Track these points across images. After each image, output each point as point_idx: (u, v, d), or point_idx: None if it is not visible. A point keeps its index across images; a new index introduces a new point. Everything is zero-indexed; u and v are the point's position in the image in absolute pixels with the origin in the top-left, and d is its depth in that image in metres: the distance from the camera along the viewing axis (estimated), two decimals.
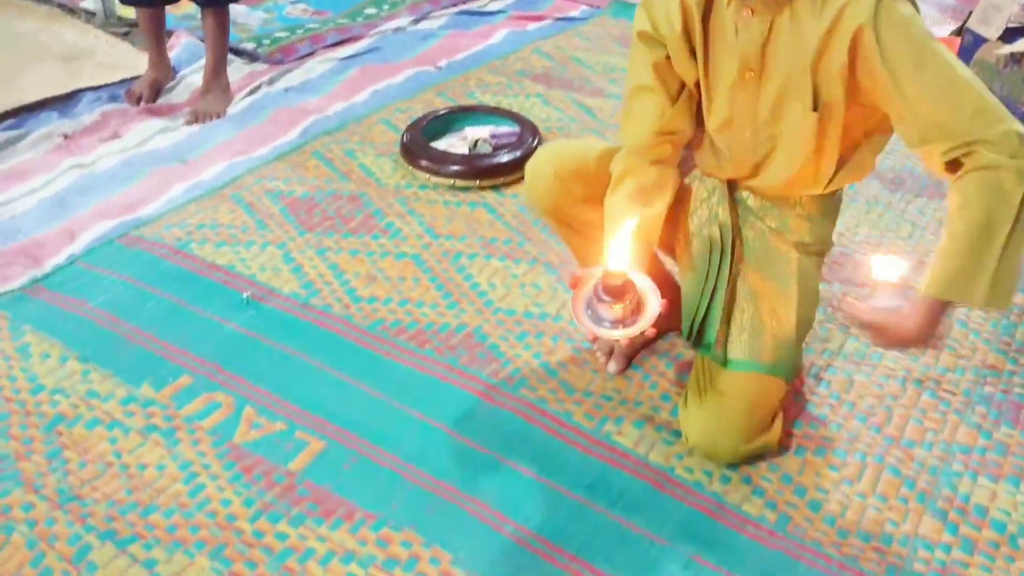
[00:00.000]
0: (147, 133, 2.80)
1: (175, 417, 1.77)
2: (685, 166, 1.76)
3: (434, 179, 2.55)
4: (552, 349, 1.97)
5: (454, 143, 2.73)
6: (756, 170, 1.66)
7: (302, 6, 3.81)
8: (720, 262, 1.69)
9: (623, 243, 1.37)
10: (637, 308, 1.40)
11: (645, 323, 1.40)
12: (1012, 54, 2.76)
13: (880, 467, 1.71)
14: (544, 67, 3.29)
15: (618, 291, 1.37)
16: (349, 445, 1.72)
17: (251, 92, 3.08)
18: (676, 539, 1.56)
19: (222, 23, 2.92)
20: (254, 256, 2.23)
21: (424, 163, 2.57)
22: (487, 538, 1.55)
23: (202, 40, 3.12)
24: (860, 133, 1.60)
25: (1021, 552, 1.55)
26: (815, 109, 1.52)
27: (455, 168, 2.55)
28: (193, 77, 3.15)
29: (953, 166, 1.44)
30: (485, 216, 2.42)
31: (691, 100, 1.64)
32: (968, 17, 3.04)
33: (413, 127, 2.72)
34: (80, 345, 1.94)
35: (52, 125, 2.81)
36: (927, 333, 1.44)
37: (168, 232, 2.32)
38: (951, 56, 1.46)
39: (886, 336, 1.48)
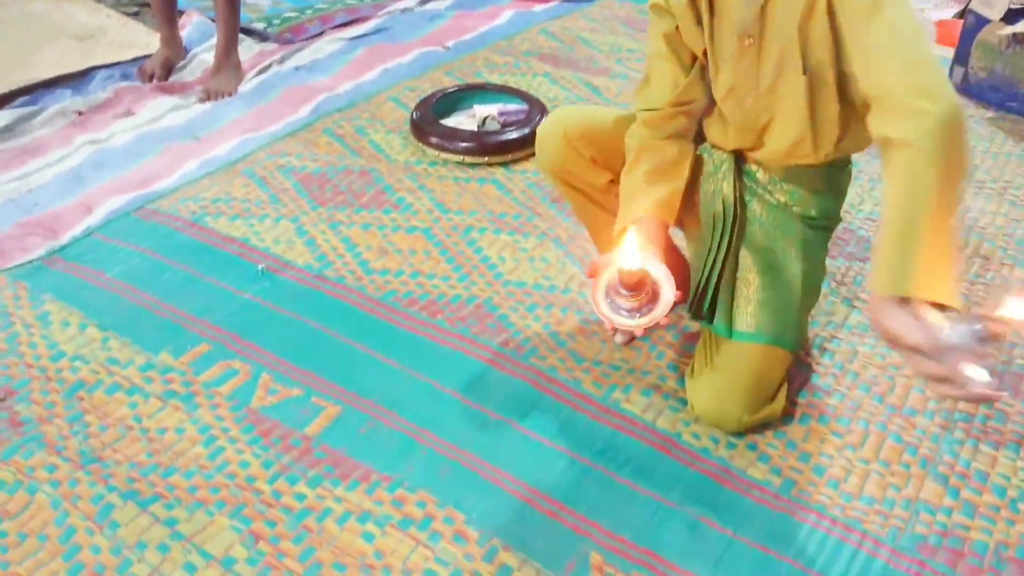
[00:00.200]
0: (160, 110, 2.84)
1: (193, 383, 1.81)
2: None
3: (443, 155, 2.59)
4: (561, 320, 2.00)
5: (463, 120, 2.77)
6: (760, 139, 1.69)
7: None
8: (723, 236, 1.72)
9: (637, 237, 1.40)
10: (653, 297, 1.44)
11: (659, 313, 1.44)
12: (1015, 35, 2.78)
13: (883, 434, 1.74)
14: (551, 48, 3.32)
15: (635, 283, 1.41)
16: (364, 410, 1.76)
17: (261, 71, 3.11)
18: (683, 501, 1.60)
19: (233, 3, 2.95)
20: (268, 229, 2.27)
21: (434, 140, 2.60)
22: (499, 499, 1.59)
23: (213, 20, 3.15)
24: (858, 100, 1.56)
25: (1021, 515, 1.59)
26: (805, 73, 1.55)
27: (464, 145, 2.58)
28: (204, 56, 3.19)
29: (883, 141, 1.40)
30: (494, 192, 2.45)
31: (703, 70, 1.67)
32: None
33: (422, 104, 2.75)
34: (99, 313, 1.98)
35: (66, 102, 2.85)
36: (881, 330, 1.30)
37: (183, 206, 2.35)
38: (907, 17, 1.42)
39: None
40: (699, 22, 1.61)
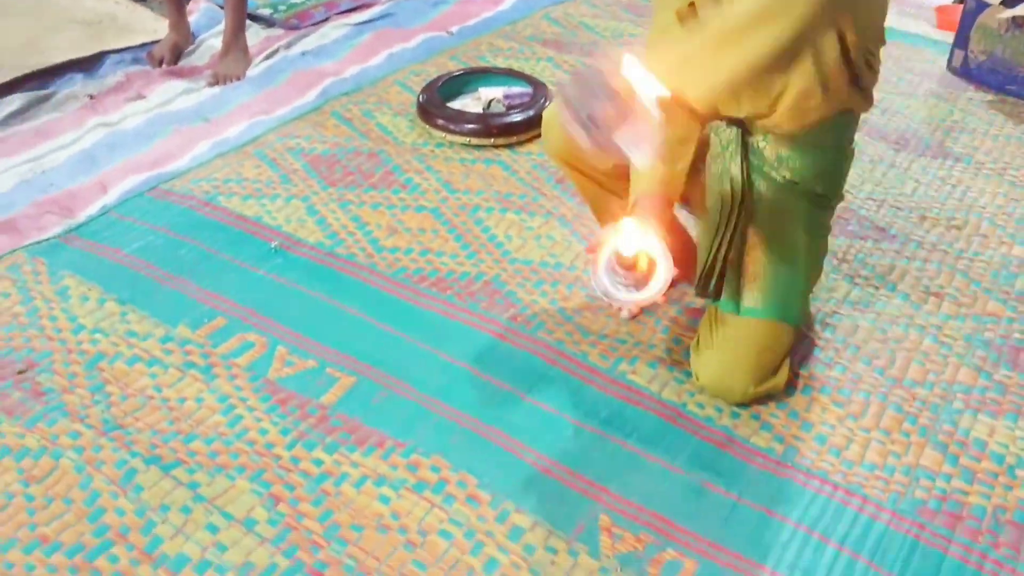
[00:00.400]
0: (170, 94, 2.87)
1: (211, 355, 1.86)
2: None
3: (450, 137, 2.63)
4: (567, 296, 2.05)
5: (468, 103, 2.81)
6: (773, 105, 1.70)
7: None
8: (731, 216, 1.75)
9: (637, 218, 1.44)
10: (652, 272, 1.49)
11: (656, 290, 1.49)
12: (1014, 18, 2.82)
13: (883, 405, 1.79)
14: (554, 33, 3.36)
15: (632, 262, 1.46)
16: (377, 381, 1.80)
17: (269, 56, 3.14)
18: (688, 467, 1.65)
19: None
20: (279, 208, 2.31)
21: (440, 122, 2.64)
22: (511, 465, 1.64)
23: (221, 6, 3.18)
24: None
25: (1018, 481, 1.63)
26: None
27: (470, 127, 2.62)
28: (212, 41, 3.22)
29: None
30: (500, 173, 2.50)
31: None
32: None
33: (429, 88, 2.79)
34: (117, 288, 2.03)
35: (77, 86, 2.89)
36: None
37: (196, 186, 2.40)
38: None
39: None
40: None
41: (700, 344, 1.81)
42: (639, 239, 1.48)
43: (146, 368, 1.82)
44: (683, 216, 1.99)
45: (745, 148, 1.75)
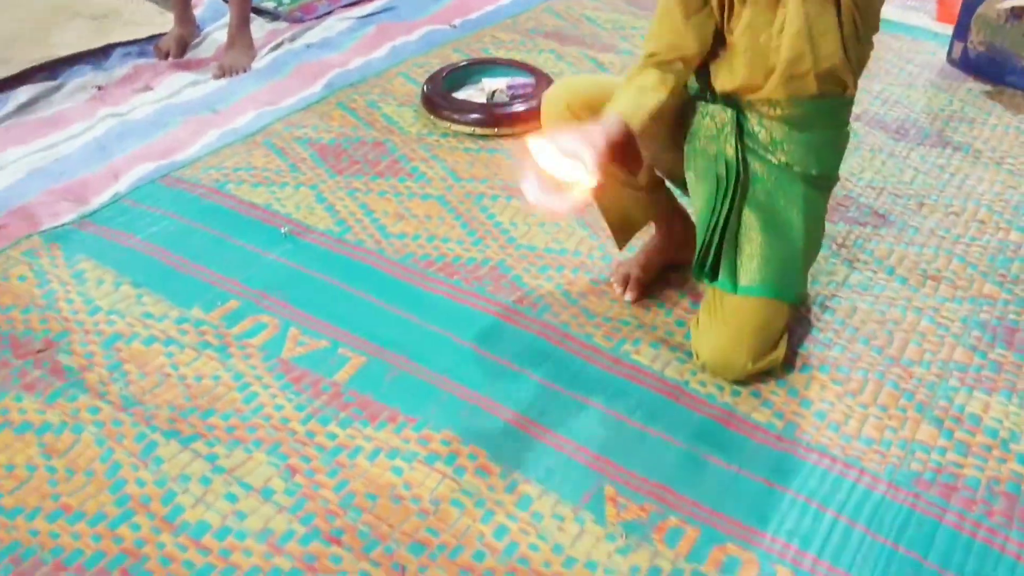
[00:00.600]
0: (178, 85, 2.92)
1: (226, 336, 1.90)
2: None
3: (454, 127, 2.68)
4: (572, 281, 2.09)
5: (472, 94, 2.85)
6: (767, 79, 1.75)
7: None
8: (727, 197, 1.79)
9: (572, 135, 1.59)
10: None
11: (577, 197, 1.59)
12: (1013, 9, 2.85)
13: (881, 383, 1.83)
14: (556, 25, 3.40)
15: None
16: (388, 360, 1.85)
17: (274, 48, 3.19)
18: (690, 442, 1.70)
19: None
20: (288, 196, 2.36)
21: (445, 112, 2.69)
22: (518, 439, 1.69)
23: (225, 0, 3.23)
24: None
25: (1012, 455, 1.68)
26: None
27: (474, 116, 2.67)
28: (217, 34, 3.27)
29: None
30: (504, 162, 2.54)
31: (708, 20, 1.73)
32: None
33: (433, 78, 2.83)
34: (132, 272, 2.07)
35: (86, 77, 2.94)
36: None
37: (206, 174, 2.44)
38: None
39: None
40: None
41: (700, 323, 1.86)
42: (569, 149, 1.57)
43: (162, 348, 1.87)
44: (684, 207, 2.05)
45: (740, 131, 1.80)
